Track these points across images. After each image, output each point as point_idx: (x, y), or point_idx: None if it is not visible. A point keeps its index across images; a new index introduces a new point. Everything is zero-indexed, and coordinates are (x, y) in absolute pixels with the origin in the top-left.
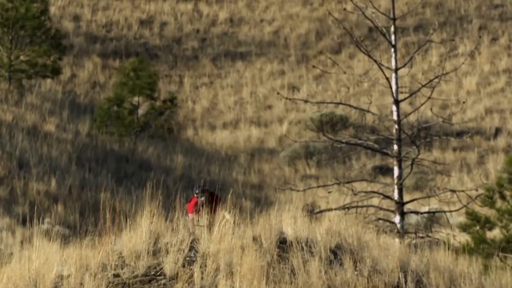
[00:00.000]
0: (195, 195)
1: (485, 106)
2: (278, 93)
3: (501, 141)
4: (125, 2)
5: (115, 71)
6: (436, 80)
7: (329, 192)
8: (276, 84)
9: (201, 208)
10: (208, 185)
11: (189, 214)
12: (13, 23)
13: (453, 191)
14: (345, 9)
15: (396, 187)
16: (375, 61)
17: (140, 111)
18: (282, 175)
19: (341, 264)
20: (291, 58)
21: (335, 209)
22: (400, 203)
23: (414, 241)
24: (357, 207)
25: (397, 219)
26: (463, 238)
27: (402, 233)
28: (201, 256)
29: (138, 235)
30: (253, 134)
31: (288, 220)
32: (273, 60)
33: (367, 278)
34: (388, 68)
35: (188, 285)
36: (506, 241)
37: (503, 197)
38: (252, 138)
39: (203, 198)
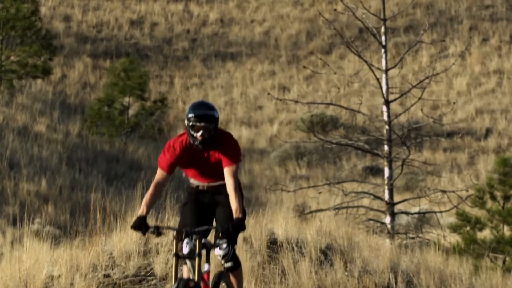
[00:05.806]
0: (187, 123)
1: (476, 107)
2: (268, 94)
3: (492, 142)
4: (116, 2)
5: (106, 71)
6: (427, 80)
7: (320, 193)
8: (266, 84)
9: (192, 159)
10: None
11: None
12: (3, 24)
13: (443, 191)
14: (335, 9)
15: (386, 187)
16: (366, 61)
17: (131, 112)
18: (272, 176)
19: (331, 265)
20: (281, 58)
21: (326, 209)
22: (391, 204)
23: (404, 242)
24: (347, 207)
25: (387, 219)
26: (454, 238)
27: (393, 233)
28: None
29: (128, 236)
30: (244, 135)
31: (279, 221)
32: (264, 61)
33: (358, 279)
34: (378, 68)
35: None
36: (496, 241)
37: (493, 197)
38: (243, 138)
39: (201, 134)
